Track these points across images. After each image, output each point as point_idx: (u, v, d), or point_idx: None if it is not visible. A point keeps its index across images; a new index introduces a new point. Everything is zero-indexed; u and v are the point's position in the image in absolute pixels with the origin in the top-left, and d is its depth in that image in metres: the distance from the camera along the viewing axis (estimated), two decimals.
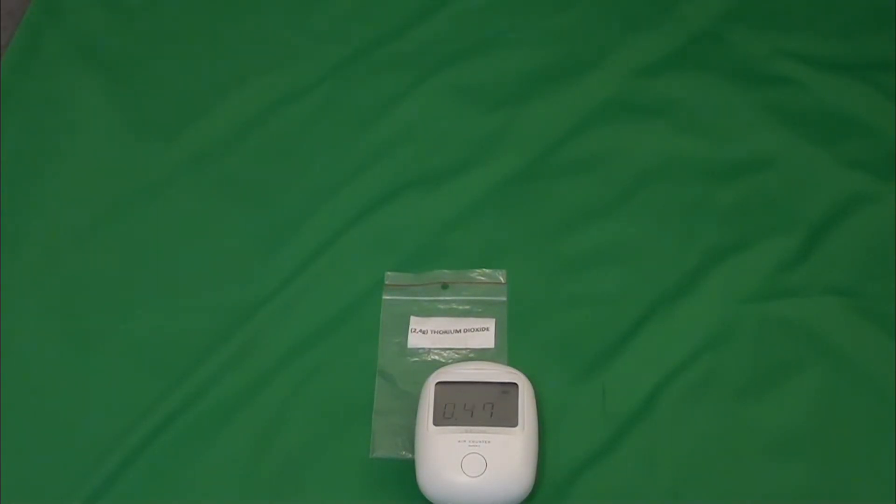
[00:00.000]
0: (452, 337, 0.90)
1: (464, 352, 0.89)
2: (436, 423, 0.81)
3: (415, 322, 0.91)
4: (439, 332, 0.90)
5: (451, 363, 0.88)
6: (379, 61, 1.09)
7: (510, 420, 0.81)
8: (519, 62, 1.09)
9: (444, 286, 0.93)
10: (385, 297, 0.92)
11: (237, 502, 0.82)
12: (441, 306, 0.92)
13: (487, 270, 0.94)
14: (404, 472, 0.82)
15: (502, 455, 0.79)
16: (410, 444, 0.83)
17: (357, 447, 0.84)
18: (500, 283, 0.93)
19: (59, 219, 0.98)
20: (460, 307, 0.92)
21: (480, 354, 0.89)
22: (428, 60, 1.09)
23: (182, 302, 0.93)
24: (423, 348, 0.90)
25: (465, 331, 0.90)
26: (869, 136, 1.02)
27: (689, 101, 1.05)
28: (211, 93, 1.07)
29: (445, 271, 0.94)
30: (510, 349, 0.89)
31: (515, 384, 0.83)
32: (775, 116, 1.04)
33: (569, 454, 0.83)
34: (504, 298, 0.92)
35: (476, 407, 0.82)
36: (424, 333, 0.90)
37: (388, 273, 0.94)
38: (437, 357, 0.89)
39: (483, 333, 0.90)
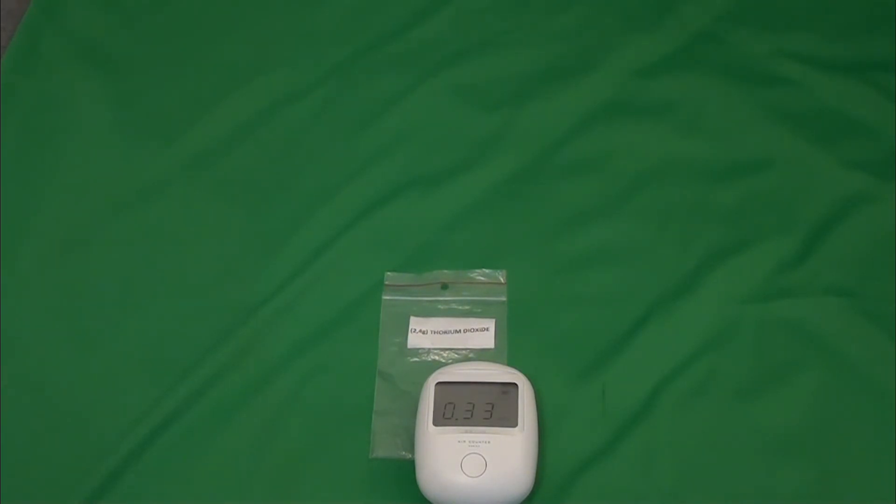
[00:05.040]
0: (452, 337, 0.90)
1: (464, 352, 0.89)
2: (436, 424, 0.81)
3: (415, 322, 0.91)
4: (439, 333, 0.90)
5: (451, 363, 0.88)
6: (379, 61, 1.09)
7: (510, 420, 0.81)
8: (519, 62, 1.09)
9: (444, 286, 0.93)
10: (385, 297, 0.92)
11: (237, 502, 0.82)
12: (441, 306, 0.92)
13: (487, 270, 0.94)
14: (404, 472, 0.82)
15: (502, 455, 0.79)
16: (410, 444, 0.83)
17: (357, 447, 0.84)
18: (500, 283, 0.93)
19: (59, 219, 0.98)
20: (460, 307, 0.92)
21: (480, 354, 0.89)
22: (428, 60, 1.09)
23: (182, 302, 0.93)
24: (423, 348, 0.90)
25: (465, 331, 0.90)
26: (869, 136, 1.02)
27: (689, 101, 1.05)
28: (211, 93, 1.07)
29: (445, 271, 0.94)
30: (510, 349, 0.89)
31: (515, 384, 0.83)
32: (775, 116, 1.04)
33: (569, 454, 0.84)
34: (504, 298, 0.92)
35: (476, 407, 0.82)
36: (424, 333, 0.90)
37: (388, 273, 0.94)
38: (436, 357, 0.89)
39: (483, 333, 0.90)
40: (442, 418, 0.81)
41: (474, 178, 1.00)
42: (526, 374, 0.84)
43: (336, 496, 0.83)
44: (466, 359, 0.89)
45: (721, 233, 0.96)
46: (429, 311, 0.92)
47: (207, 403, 0.86)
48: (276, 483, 0.83)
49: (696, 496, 0.82)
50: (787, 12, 1.12)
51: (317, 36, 1.12)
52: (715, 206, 0.98)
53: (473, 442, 0.80)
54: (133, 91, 1.08)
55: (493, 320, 0.91)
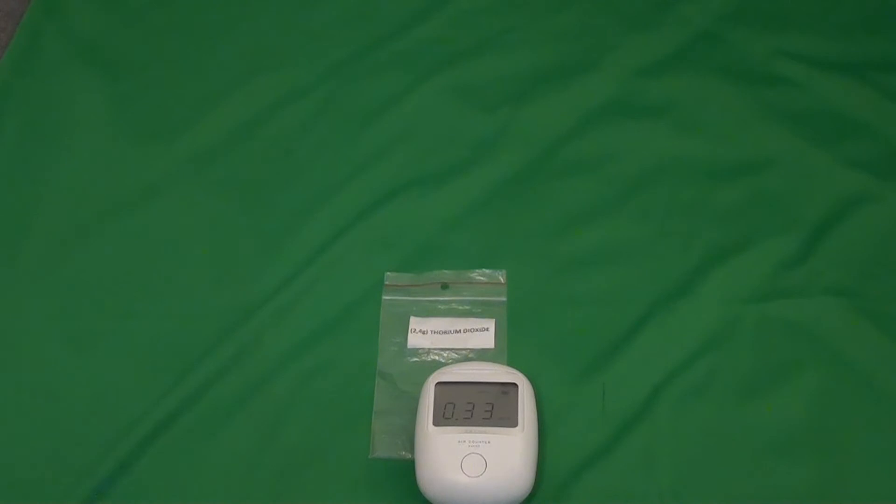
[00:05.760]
0: (452, 337, 0.90)
1: (464, 352, 0.89)
2: (436, 424, 0.81)
3: (415, 322, 0.91)
4: (439, 333, 0.90)
5: (451, 363, 0.88)
6: (379, 61, 1.09)
7: (510, 420, 0.81)
8: (519, 62, 1.09)
9: (444, 286, 0.93)
10: (385, 297, 0.92)
11: (237, 502, 0.82)
12: (441, 306, 0.92)
13: (487, 270, 0.94)
14: (404, 472, 0.82)
15: (502, 455, 0.79)
16: (410, 444, 0.83)
17: (357, 447, 0.84)
18: (500, 284, 0.93)
19: (59, 219, 0.98)
20: (460, 307, 0.92)
21: (480, 354, 0.89)
22: (428, 60, 1.09)
23: (182, 302, 0.93)
24: (423, 348, 0.90)
25: (465, 331, 0.90)
26: (869, 136, 1.02)
27: (689, 101, 1.05)
28: (211, 93, 1.07)
29: (445, 271, 0.94)
30: (510, 349, 0.89)
31: (515, 384, 0.83)
32: (775, 116, 1.04)
33: (569, 454, 0.83)
34: (504, 298, 0.92)
35: (476, 407, 0.82)
36: (424, 333, 0.90)
37: (388, 273, 0.94)
38: (436, 357, 0.89)
39: (483, 333, 0.90)
40: (442, 418, 0.81)
41: (474, 178, 1.00)
42: (526, 374, 0.84)
43: (336, 496, 0.82)
44: (466, 359, 0.89)
45: (721, 233, 0.96)
46: (429, 311, 0.92)
47: (207, 403, 0.86)
48: (276, 483, 0.83)
49: (696, 496, 0.82)
50: (787, 12, 1.12)
51: (317, 36, 1.12)
52: (715, 206, 0.98)
53: (473, 442, 0.80)
54: (133, 91, 1.08)
55: (493, 320, 0.91)
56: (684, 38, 1.10)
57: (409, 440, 0.83)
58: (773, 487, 0.82)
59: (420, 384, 0.84)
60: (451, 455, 0.79)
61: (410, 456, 0.82)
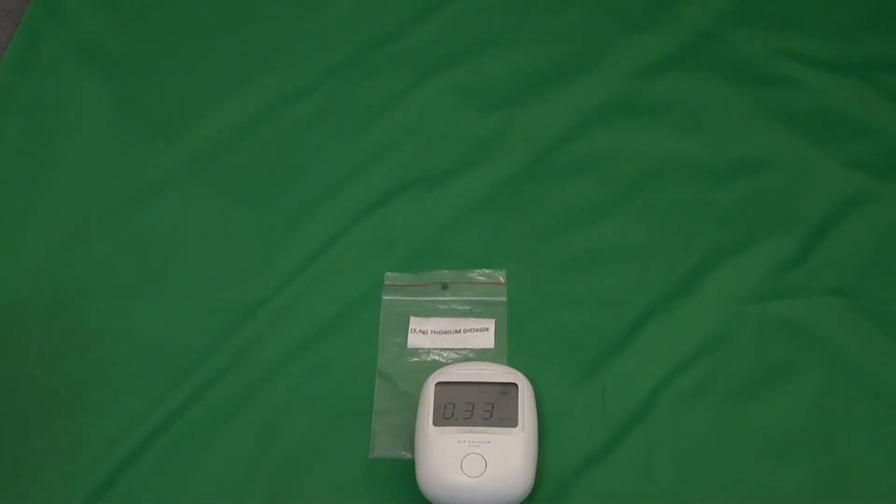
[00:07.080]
0: (452, 337, 0.90)
1: (464, 352, 0.89)
2: (435, 424, 0.81)
3: (415, 322, 0.91)
4: (439, 333, 0.90)
5: (451, 363, 0.88)
6: (379, 61, 1.09)
7: (510, 420, 0.81)
8: (519, 62, 1.09)
9: (444, 286, 0.93)
10: (385, 297, 0.92)
11: (237, 502, 0.82)
12: (441, 306, 0.92)
13: (487, 270, 0.94)
14: (404, 472, 0.82)
15: (502, 455, 0.79)
16: (410, 444, 0.83)
17: (357, 447, 0.84)
18: (500, 284, 0.93)
19: (59, 219, 0.98)
20: (460, 307, 0.92)
21: (480, 355, 0.89)
22: (428, 60, 1.09)
23: (182, 302, 0.93)
24: (423, 348, 0.90)
25: (465, 331, 0.90)
26: (869, 136, 1.02)
27: (689, 101, 1.05)
28: (211, 93, 1.07)
29: (445, 271, 0.94)
30: (510, 349, 0.89)
31: (515, 384, 0.83)
32: (775, 116, 1.04)
33: (569, 454, 0.84)
34: (504, 299, 0.92)
35: (476, 407, 0.82)
36: (424, 334, 0.90)
37: (388, 273, 0.94)
38: (436, 357, 0.89)
39: (483, 334, 0.90)
40: (442, 418, 0.81)
41: (474, 178, 1.00)
42: (526, 374, 0.84)
43: (336, 496, 0.82)
44: (466, 359, 0.89)
45: (721, 233, 0.96)
46: (429, 311, 0.92)
47: (207, 403, 0.86)
48: (276, 483, 0.83)
49: (696, 496, 0.82)
50: (787, 12, 1.12)
51: (317, 36, 1.12)
52: (715, 206, 0.98)
53: (473, 442, 0.80)
54: (133, 91, 1.08)
55: (493, 320, 0.91)
56: (684, 38, 1.10)
57: (409, 440, 0.83)
58: (773, 487, 0.82)
59: (420, 384, 0.84)
60: (451, 455, 0.79)
61: (410, 456, 0.82)
